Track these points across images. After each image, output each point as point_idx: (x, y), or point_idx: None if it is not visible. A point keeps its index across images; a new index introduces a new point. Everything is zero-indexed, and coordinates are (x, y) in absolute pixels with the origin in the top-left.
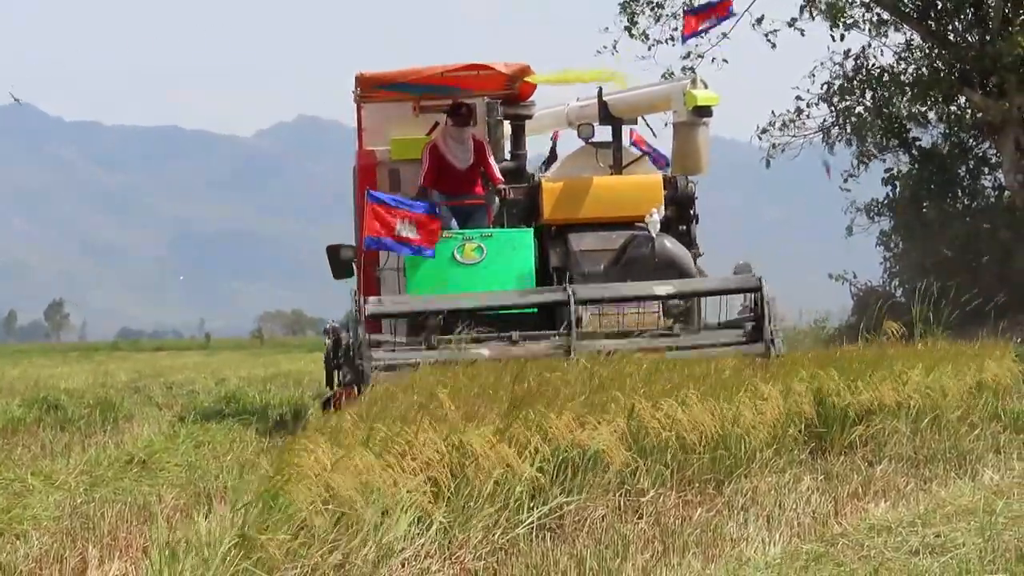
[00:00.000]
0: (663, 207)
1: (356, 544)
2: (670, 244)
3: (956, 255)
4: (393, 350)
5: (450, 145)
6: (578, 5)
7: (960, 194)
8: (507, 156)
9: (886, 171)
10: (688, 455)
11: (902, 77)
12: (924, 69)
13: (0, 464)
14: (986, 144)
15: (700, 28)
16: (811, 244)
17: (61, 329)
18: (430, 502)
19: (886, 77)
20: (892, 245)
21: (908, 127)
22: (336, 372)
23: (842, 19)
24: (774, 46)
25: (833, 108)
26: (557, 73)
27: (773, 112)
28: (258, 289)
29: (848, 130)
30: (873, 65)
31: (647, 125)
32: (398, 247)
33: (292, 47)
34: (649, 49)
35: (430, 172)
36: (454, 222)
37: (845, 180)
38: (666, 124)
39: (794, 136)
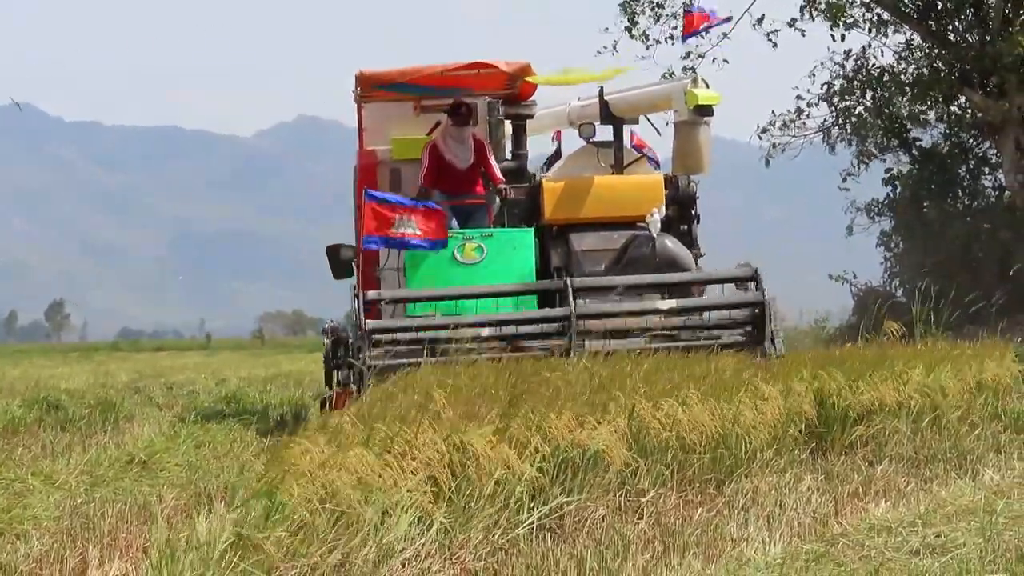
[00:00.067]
0: (664, 207)
1: (356, 544)
2: (671, 244)
3: (956, 255)
4: (393, 345)
5: (450, 145)
6: (578, 5)
7: (960, 194)
8: (508, 156)
9: (886, 171)
10: (688, 455)
11: (902, 77)
12: (924, 69)
13: (1, 464)
14: (986, 144)
15: (700, 28)
16: (811, 244)
17: (62, 329)
18: (430, 502)
19: (886, 77)
20: (892, 245)
21: (908, 127)
22: (335, 372)
23: (842, 19)
24: (775, 45)
25: (833, 108)
26: (558, 74)
27: (773, 112)
28: (258, 289)
29: (848, 130)
30: (873, 65)
31: (651, 124)
32: (398, 244)
33: (292, 47)
34: (648, 48)
35: (430, 172)
36: (454, 222)
37: (844, 179)
38: (667, 123)
39: (794, 136)
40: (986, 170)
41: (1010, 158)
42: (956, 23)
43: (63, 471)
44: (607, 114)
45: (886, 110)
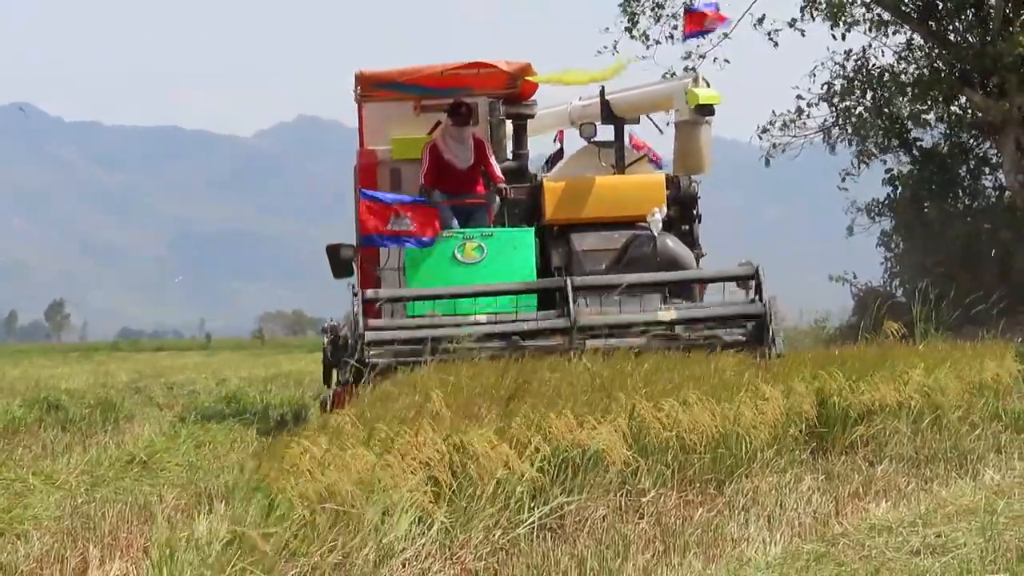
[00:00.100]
0: (665, 206)
1: (356, 544)
2: (672, 243)
3: (957, 255)
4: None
5: (450, 144)
6: (578, 5)
7: (961, 194)
8: (509, 155)
9: (887, 171)
10: (689, 455)
11: (903, 77)
12: (925, 69)
13: (1, 464)
14: (987, 144)
15: (705, 28)
16: (812, 244)
17: (62, 329)
18: (431, 502)
19: (887, 77)
20: (893, 245)
21: (909, 127)
22: (335, 370)
23: (843, 18)
24: (776, 44)
25: (834, 108)
26: (559, 73)
27: (774, 112)
28: (258, 289)
29: (849, 130)
30: (873, 65)
31: (653, 124)
32: (395, 241)
33: (293, 47)
34: (648, 49)
35: (430, 172)
36: (455, 221)
37: (843, 179)
38: (668, 123)
39: (794, 136)
40: (986, 170)
41: (1010, 158)
42: (956, 23)
43: (63, 471)
44: (608, 114)
45: (886, 110)
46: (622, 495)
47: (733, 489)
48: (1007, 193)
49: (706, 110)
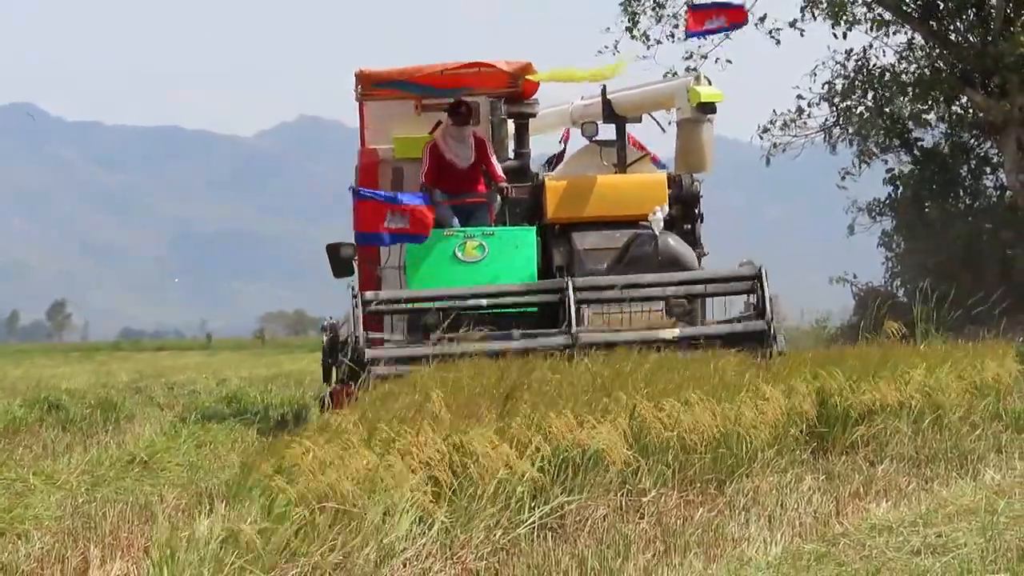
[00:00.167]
0: (667, 205)
1: (357, 543)
2: (673, 242)
3: (958, 255)
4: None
5: (450, 144)
6: (578, 5)
7: (962, 194)
8: (511, 155)
9: (887, 171)
10: (690, 455)
11: (903, 77)
12: (926, 69)
13: (2, 464)
14: (988, 144)
15: (705, 28)
16: (813, 244)
17: (63, 329)
18: (431, 502)
19: (887, 77)
20: (894, 245)
21: (910, 127)
22: (334, 368)
23: (844, 17)
24: (778, 42)
25: (834, 108)
26: (560, 71)
27: (775, 111)
28: (258, 289)
29: (849, 130)
30: (874, 65)
31: (656, 122)
32: (390, 239)
33: (294, 47)
34: (648, 49)
35: (430, 171)
36: (455, 220)
37: (843, 178)
38: (670, 123)
39: (795, 136)
40: (987, 170)
41: (1011, 158)
42: (957, 23)
43: (64, 471)
44: (610, 113)
45: (887, 110)
46: (623, 495)
47: (734, 489)
48: (1008, 193)
49: (708, 108)
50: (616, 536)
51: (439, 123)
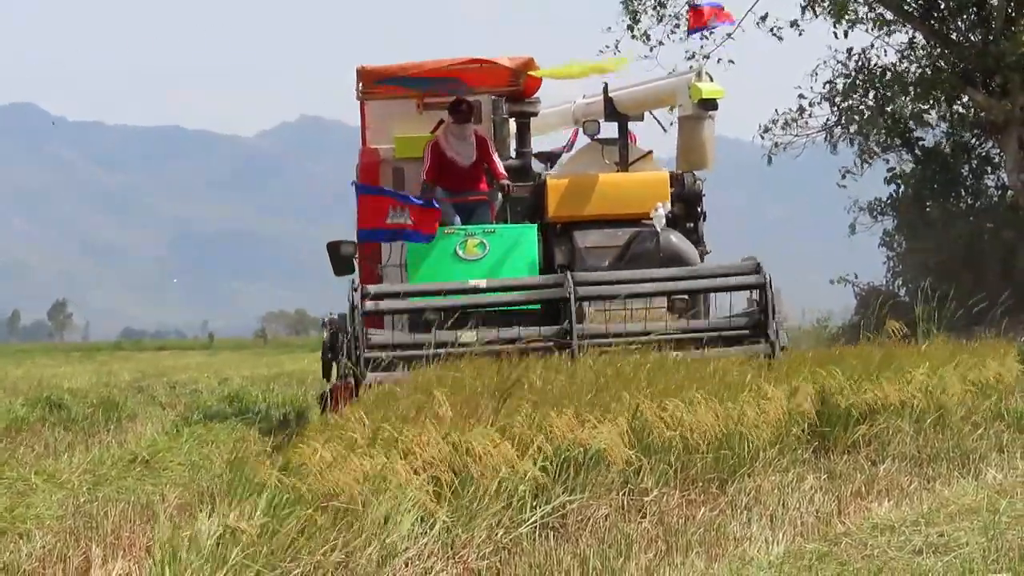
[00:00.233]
0: (669, 202)
1: (360, 543)
2: (675, 239)
3: (959, 255)
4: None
5: (452, 142)
6: (579, 5)
7: (963, 194)
8: (512, 154)
9: (889, 170)
10: (691, 454)
11: (905, 76)
12: (927, 68)
13: (4, 463)
14: (989, 144)
15: (707, 25)
16: (814, 243)
17: (64, 329)
18: (433, 501)
19: (889, 76)
20: (895, 245)
21: (911, 126)
22: (334, 365)
23: (846, 16)
24: (780, 39)
25: (836, 107)
26: (561, 67)
27: (776, 111)
28: (258, 289)
29: (851, 129)
30: (875, 64)
31: (656, 120)
32: (393, 236)
33: (296, 48)
34: (651, 50)
35: (432, 169)
36: (457, 218)
37: (843, 177)
38: (672, 123)
39: (796, 135)
40: (989, 169)
41: (1013, 157)
42: (959, 22)
43: (66, 470)
44: (611, 111)
45: (888, 109)
46: (624, 494)
47: (736, 488)
48: (1009, 192)
49: (709, 104)
50: (618, 535)
51: (440, 122)
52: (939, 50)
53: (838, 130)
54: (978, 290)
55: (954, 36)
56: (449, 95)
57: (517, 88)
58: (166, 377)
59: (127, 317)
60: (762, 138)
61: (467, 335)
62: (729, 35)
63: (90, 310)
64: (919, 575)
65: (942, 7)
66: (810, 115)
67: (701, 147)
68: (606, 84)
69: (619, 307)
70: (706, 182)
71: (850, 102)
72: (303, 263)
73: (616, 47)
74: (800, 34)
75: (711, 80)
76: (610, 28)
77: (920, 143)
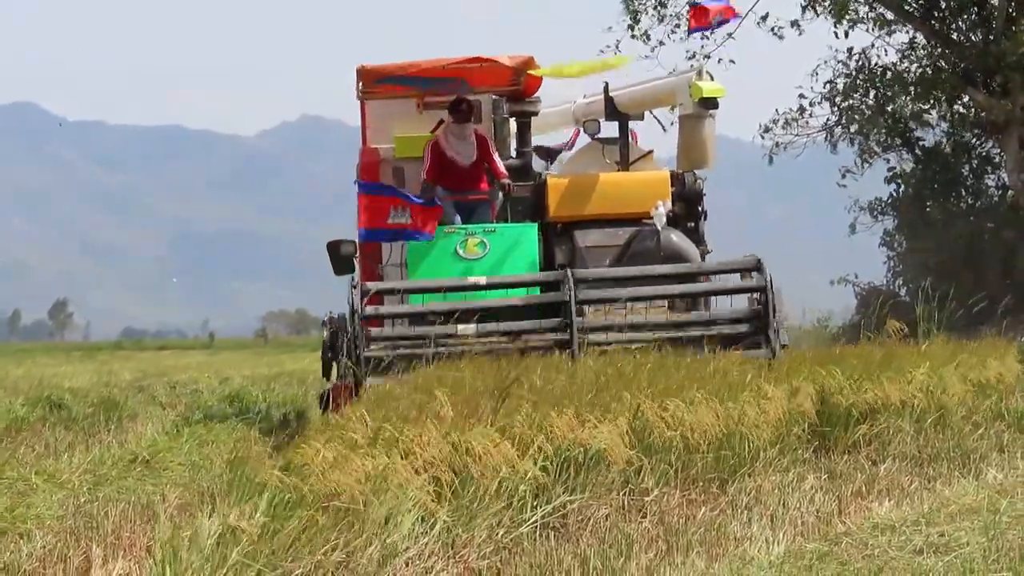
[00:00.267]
0: (670, 200)
1: (361, 543)
2: (676, 238)
3: (959, 255)
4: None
5: (452, 142)
6: (579, 5)
7: (963, 193)
8: (513, 154)
9: (889, 170)
10: (692, 454)
11: (905, 76)
12: (927, 68)
13: (4, 463)
14: (989, 143)
15: (708, 24)
16: (815, 243)
17: (65, 328)
18: (433, 501)
19: (889, 76)
20: (895, 245)
21: (911, 126)
22: (334, 363)
23: (846, 15)
24: (781, 38)
25: (836, 107)
26: (561, 66)
27: (777, 111)
28: (258, 289)
29: (851, 129)
30: (876, 64)
31: (656, 120)
32: (394, 236)
33: (297, 47)
34: (653, 51)
35: (432, 168)
36: (457, 218)
37: (843, 176)
38: (672, 123)
39: (797, 135)
40: (989, 169)
41: (1013, 157)
42: (959, 22)
43: (66, 470)
44: (612, 110)
45: (889, 109)
46: (625, 494)
47: (736, 488)
48: (1010, 192)
49: (710, 103)
50: (618, 535)
51: (441, 122)
52: (940, 50)
53: (838, 130)
54: (978, 290)
55: (955, 36)
56: (450, 94)
57: (517, 87)
58: (167, 377)
59: (127, 317)
60: (762, 138)
61: (466, 327)
62: (730, 35)
63: (90, 310)
64: (920, 575)
65: (943, 7)
66: (810, 115)
67: (702, 146)
68: (606, 83)
69: (620, 306)
70: (707, 181)
71: (851, 102)
72: (303, 263)
73: (617, 47)
74: (800, 34)
75: (711, 79)
76: (611, 28)
77: (920, 143)
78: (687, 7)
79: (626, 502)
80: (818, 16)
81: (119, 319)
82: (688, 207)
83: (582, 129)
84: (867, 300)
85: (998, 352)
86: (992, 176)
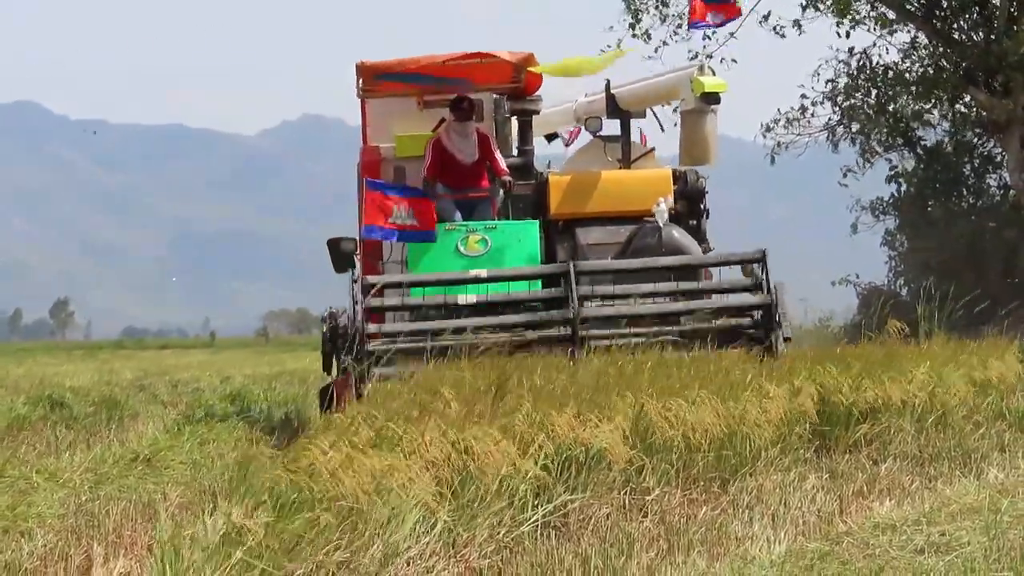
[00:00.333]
0: (672, 197)
1: (363, 543)
2: (677, 234)
3: (961, 254)
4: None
5: (453, 140)
6: (579, 5)
7: (965, 193)
8: (514, 152)
9: (891, 169)
10: (693, 454)
11: (907, 75)
12: (929, 68)
13: (5, 462)
14: (991, 143)
15: (708, 21)
16: (816, 243)
17: (66, 327)
18: (435, 501)
19: (891, 75)
20: (897, 244)
21: (913, 126)
22: (334, 358)
23: (848, 14)
24: (783, 36)
25: (838, 107)
26: (562, 64)
27: (778, 110)
28: (258, 289)
29: (853, 128)
30: (877, 63)
31: (657, 119)
32: (397, 235)
33: (297, 47)
34: (656, 51)
35: (433, 165)
36: (458, 215)
37: (844, 175)
38: (675, 124)
39: (799, 135)
40: (991, 169)
41: (1015, 157)
42: (961, 21)
43: (68, 469)
44: (614, 108)
45: (890, 108)
46: (626, 493)
47: (737, 488)
48: (1011, 192)
49: (712, 98)
50: (619, 534)
51: (442, 120)
52: (941, 49)
53: (840, 129)
54: (980, 289)
55: (956, 35)
56: (452, 92)
57: (518, 85)
58: (168, 376)
59: (128, 317)
60: (764, 137)
61: (467, 297)
62: (732, 34)
63: (90, 310)
64: (921, 574)
65: (944, 6)
66: (812, 114)
67: (704, 141)
68: (608, 81)
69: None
70: (708, 180)
71: (852, 101)
72: (303, 263)
73: (618, 47)
74: (799, 33)
75: (713, 74)
76: (612, 27)
77: (922, 142)
78: (688, 6)
79: (627, 501)
80: (819, 14)
81: (119, 319)
82: (690, 205)
83: (584, 127)
84: (868, 300)
85: (999, 351)
86: (994, 176)
